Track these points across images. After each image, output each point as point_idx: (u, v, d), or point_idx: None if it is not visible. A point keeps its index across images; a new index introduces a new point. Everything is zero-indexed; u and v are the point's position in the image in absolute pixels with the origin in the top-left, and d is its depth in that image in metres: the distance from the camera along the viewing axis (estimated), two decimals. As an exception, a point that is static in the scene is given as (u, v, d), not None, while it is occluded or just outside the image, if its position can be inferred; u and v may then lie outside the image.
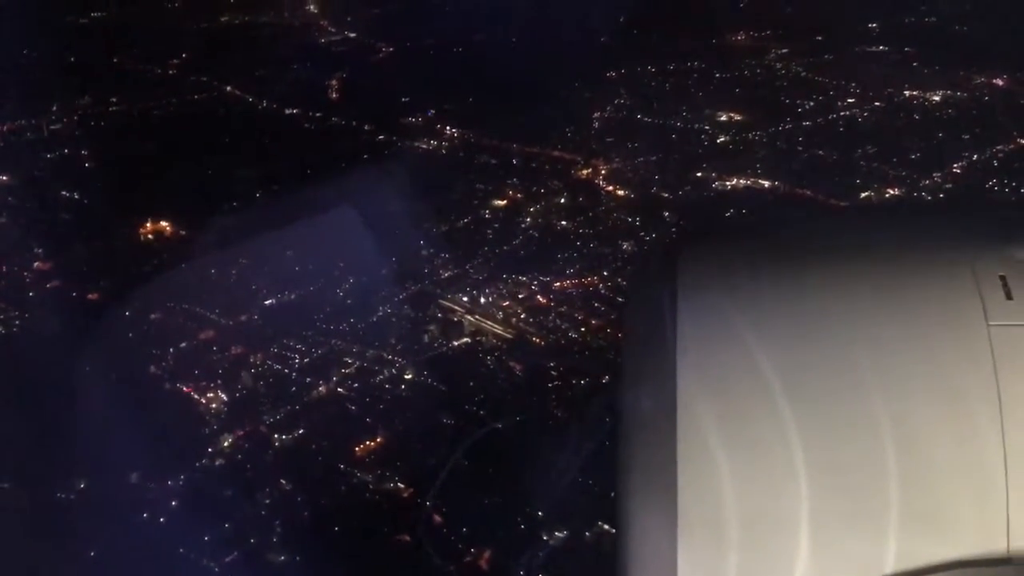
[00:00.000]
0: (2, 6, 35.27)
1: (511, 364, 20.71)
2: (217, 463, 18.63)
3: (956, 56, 37.06)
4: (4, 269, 25.57)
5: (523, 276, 24.26)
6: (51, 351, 21.49)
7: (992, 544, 1.74)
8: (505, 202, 29.04)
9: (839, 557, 1.78)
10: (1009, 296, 1.91)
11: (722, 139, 32.86)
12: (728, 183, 29.20)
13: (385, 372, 20.65)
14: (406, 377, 20.67)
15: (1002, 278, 1.94)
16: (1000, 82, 35.48)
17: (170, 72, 41.52)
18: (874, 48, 40.35)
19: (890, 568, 1.75)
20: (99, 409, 19.21)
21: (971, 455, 1.79)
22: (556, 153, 32.70)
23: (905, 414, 1.82)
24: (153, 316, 22.91)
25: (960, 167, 29.06)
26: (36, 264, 25.96)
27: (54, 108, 36.54)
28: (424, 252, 26.08)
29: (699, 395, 1.88)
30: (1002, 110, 33.23)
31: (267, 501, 17.81)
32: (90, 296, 24.28)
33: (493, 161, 32.51)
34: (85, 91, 38.11)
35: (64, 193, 30.17)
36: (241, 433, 19.07)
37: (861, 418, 1.82)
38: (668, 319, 1.98)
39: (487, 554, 16.08)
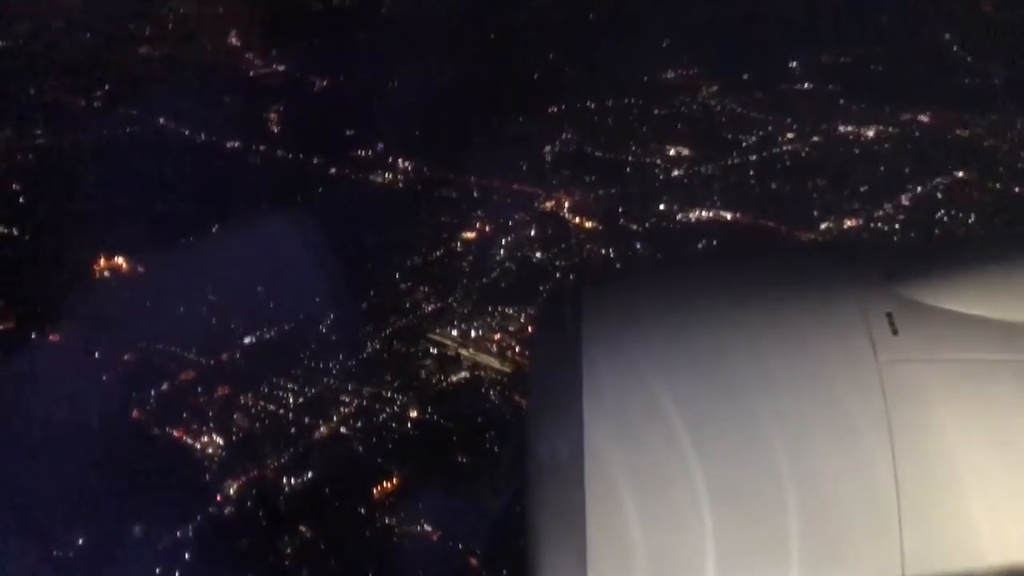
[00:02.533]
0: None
1: (515, 398, 20.36)
2: (227, 511, 17.48)
3: (877, 93, 39.03)
4: (-52, 310, 23.75)
5: (509, 308, 24.01)
6: (20, 398, 20.05)
7: (888, 572, 1.82)
8: (475, 235, 28.84)
9: None
10: (895, 332, 2.01)
11: (676, 173, 33.54)
12: (691, 215, 29.80)
13: (387, 410, 19.96)
14: (411, 415, 20.00)
15: (888, 315, 2.04)
16: (925, 118, 37.42)
17: (95, 104, 39.84)
18: (800, 86, 42.03)
19: None
20: (86, 458, 17.94)
21: (865, 486, 1.88)
22: (516, 186, 32.68)
23: (802, 449, 1.90)
24: (126, 357, 21.62)
25: (908, 198, 30.46)
26: (-18, 304, 24.24)
27: (-27, 141, 34.63)
28: (402, 286, 25.57)
29: (605, 434, 1.94)
30: (933, 144, 35.07)
31: (289, 551, 16.78)
32: (51, 338, 22.75)
33: (453, 194, 32.28)
34: (4, 123, 36.17)
35: (1, 229, 28.43)
36: (246, 478, 18.00)
37: (760, 454, 1.90)
38: (573, 359, 2.04)
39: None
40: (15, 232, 28.55)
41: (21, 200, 31.31)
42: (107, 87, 40.68)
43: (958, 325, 2.02)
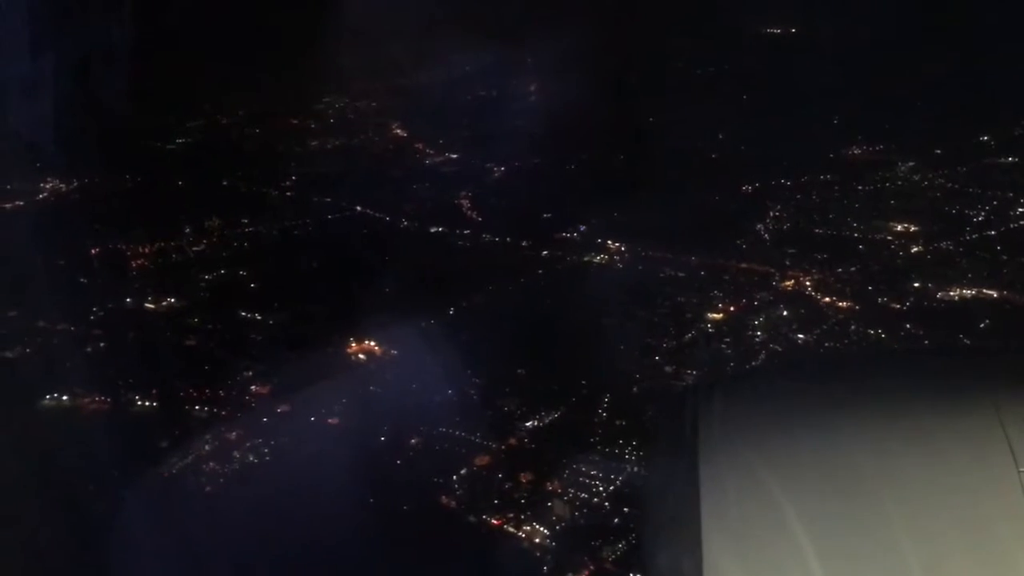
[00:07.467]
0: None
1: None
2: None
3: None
4: (221, 394, 23.70)
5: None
6: (314, 482, 19.53)
7: None
8: (721, 315, 27.59)
9: None
10: None
11: (915, 249, 31.83)
12: (952, 293, 27.95)
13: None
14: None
15: None
16: None
17: (287, 194, 40.66)
18: (1004, 159, 40.02)
19: None
20: (405, 548, 17.11)
21: None
22: (744, 265, 31.49)
23: (942, 569, 1.77)
24: (413, 441, 20.98)
25: None
26: (253, 387, 24.12)
27: (187, 230, 35.50)
28: (666, 369, 24.43)
29: (725, 549, 1.83)
30: None
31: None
32: (330, 420, 22.39)
33: (680, 274, 31.20)
34: (211, 213, 37.05)
35: (243, 314, 28.63)
36: (587, 573, 16.82)
37: (894, 571, 1.77)
38: (691, 468, 1.94)
39: None
40: (257, 316, 28.70)
41: (252, 285, 31.65)
42: (293, 178, 41.62)
43: None
